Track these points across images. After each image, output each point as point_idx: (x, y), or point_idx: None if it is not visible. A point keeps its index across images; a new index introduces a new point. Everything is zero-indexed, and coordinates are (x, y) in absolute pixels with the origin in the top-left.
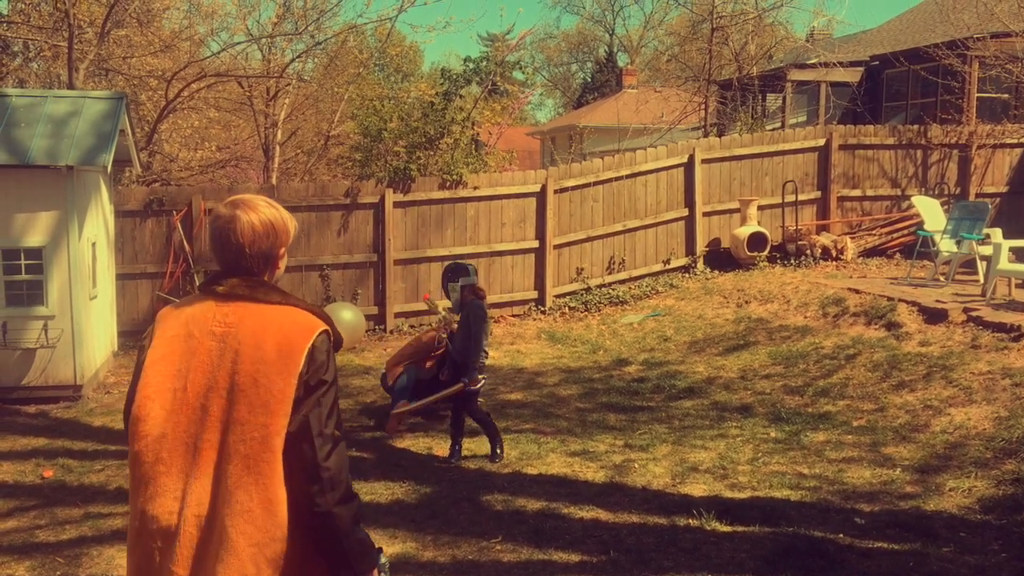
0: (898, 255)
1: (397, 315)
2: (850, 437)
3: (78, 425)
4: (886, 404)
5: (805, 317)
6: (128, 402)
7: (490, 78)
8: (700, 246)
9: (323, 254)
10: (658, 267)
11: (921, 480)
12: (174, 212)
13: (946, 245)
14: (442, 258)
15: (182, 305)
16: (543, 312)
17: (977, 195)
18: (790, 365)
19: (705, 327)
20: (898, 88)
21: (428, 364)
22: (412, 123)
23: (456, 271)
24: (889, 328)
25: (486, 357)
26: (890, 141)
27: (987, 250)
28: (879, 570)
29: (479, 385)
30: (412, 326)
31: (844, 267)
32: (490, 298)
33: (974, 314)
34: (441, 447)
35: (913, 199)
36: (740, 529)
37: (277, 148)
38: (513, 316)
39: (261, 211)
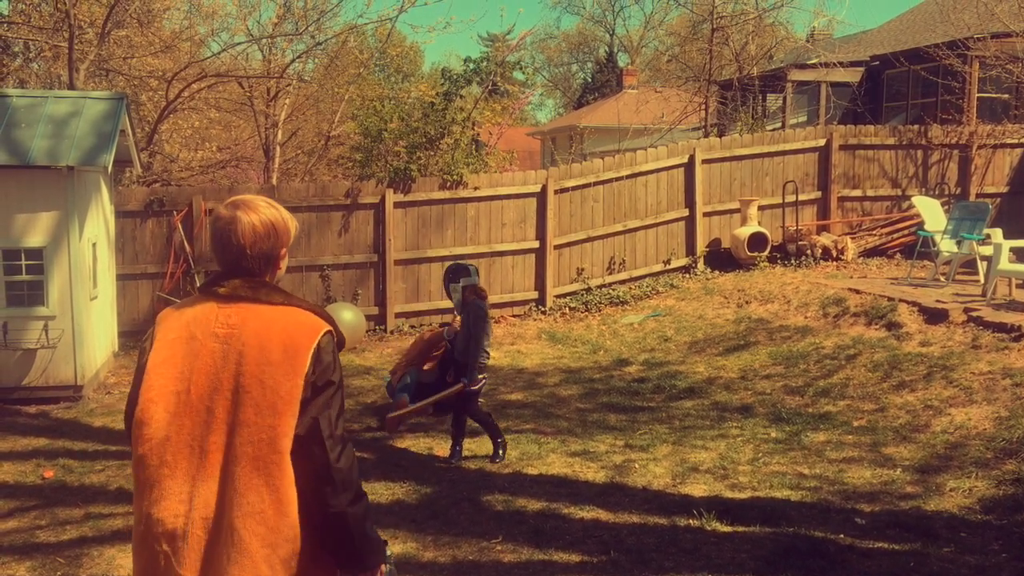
0: (898, 255)
1: (397, 315)
2: (850, 437)
3: (79, 425)
4: (886, 404)
5: (805, 317)
6: (129, 404)
7: (490, 78)
8: (700, 246)
9: (324, 254)
10: (658, 267)
11: (921, 480)
12: (175, 212)
13: (946, 245)
14: (442, 258)
15: (183, 306)
16: (543, 312)
17: (977, 195)
18: (790, 365)
19: (705, 327)
20: (898, 88)
21: (428, 366)
22: (412, 123)
23: (457, 272)
24: (889, 328)
25: (487, 358)
26: (890, 141)
27: (987, 250)
28: (880, 570)
29: (479, 385)
30: (412, 326)
31: (844, 267)
32: (491, 298)
33: (974, 314)
34: (442, 447)
35: (913, 199)
36: (740, 529)
37: (278, 148)
38: (513, 316)
39: (262, 212)
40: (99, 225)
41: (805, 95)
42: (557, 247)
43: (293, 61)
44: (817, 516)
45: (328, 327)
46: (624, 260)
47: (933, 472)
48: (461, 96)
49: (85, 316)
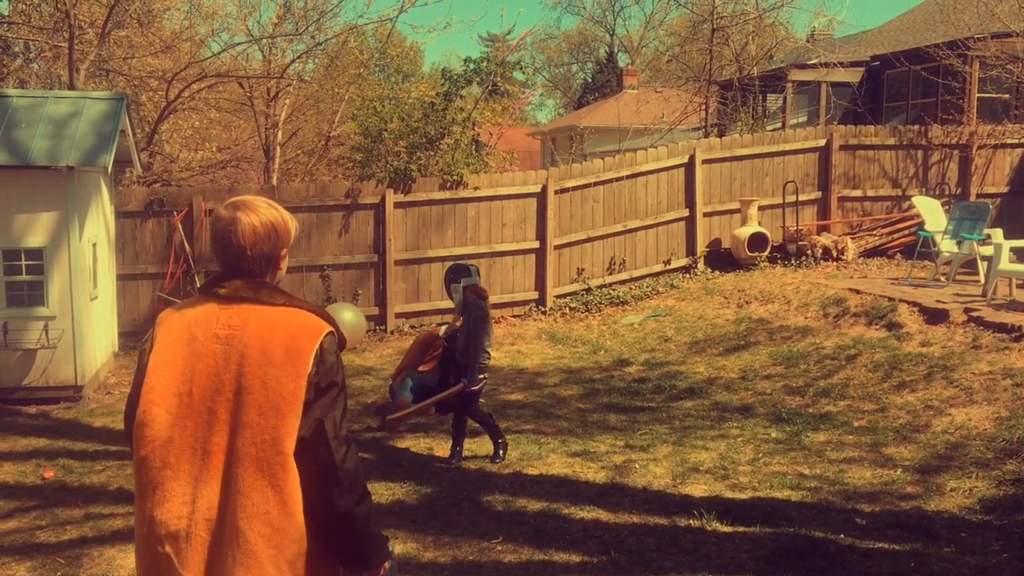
0: (899, 255)
1: (398, 315)
2: (851, 437)
3: (79, 426)
4: (887, 404)
5: (806, 317)
6: (129, 406)
7: (490, 78)
8: (701, 246)
9: (324, 255)
10: (659, 267)
11: (922, 480)
12: (175, 213)
13: (947, 245)
14: (443, 258)
15: (183, 307)
16: (544, 312)
17: (978, 195)
18: (791, 365)
19: (706, 327)
20: (899, 88)
21: (428, 367)
22: (413, 124)
23: (458, 272)
24: (890, 328)
25: (488, 358)
26: (891, 141)
27: (988, 250)
28: (880, 570)
29: (480, 386)
30: (413, 326)
31: (845, 267)
32: (491, 299)
33: (975, 314)
34: (442, 447)
35: (914, 199)
36: (741, 529)
37: (278, 149)
38: (514, 317)
39: (262, 212)
40: (99, 225)
41: (805, 95)
42: (557, 247)
43: (293, 61)
44: (817, 516)
45: (330, 328)
46: (624, 260)
47: (934, 472)
48: (461, 96)
49: (85, 316)
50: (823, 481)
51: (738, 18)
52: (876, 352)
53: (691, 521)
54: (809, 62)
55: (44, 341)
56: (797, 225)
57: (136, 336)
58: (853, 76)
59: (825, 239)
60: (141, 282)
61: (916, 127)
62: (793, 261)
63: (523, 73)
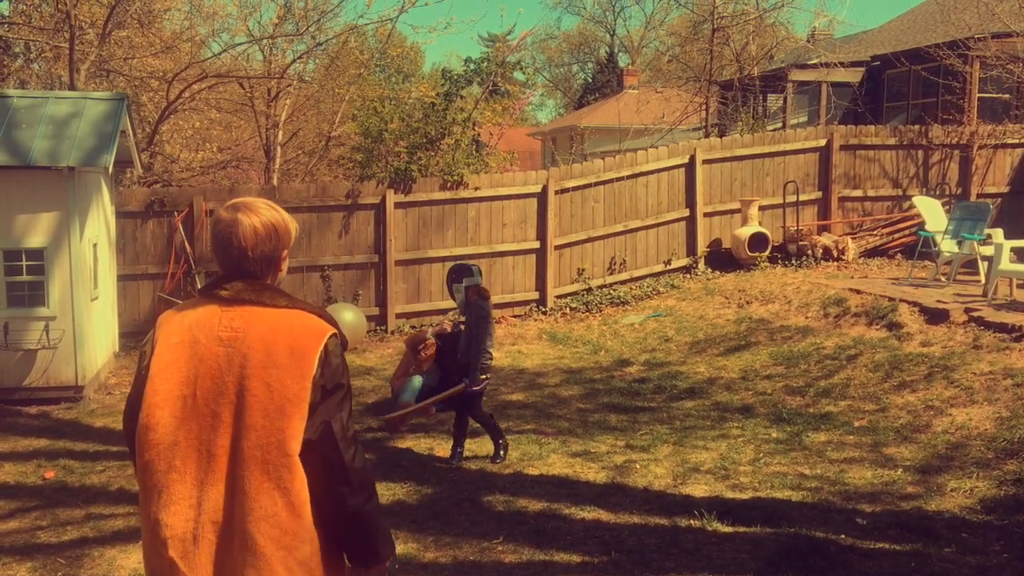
0: (899, 255)
1: (398, 316)
2: (851, 437)
3: (79, 426)
4: (887, 404)
5: (806, 317)
6: (129, 407)
7: (491, 79)
8: (701, 246)
9: (324, 255)
10: (659, 267)
11: (923, 480)
12: (175, 213)
13: (947, 245)
14: (443, 259)
15: (184, 309)
16: (544, 313)
17: (978, 195)
18: (791, 365)
19: (706, 327)
20: (899, 88)
21: (425, 362)
22: (413, 124)
23: (460, 272)
24: (890, 328)
25: (490, 358)
26: (891, 141)
27: (988, 250)
28: (881, 570)
29: (481, 386)
30: (413, 327)
31: (845, 267)
32: (491, 299)
33: (975, 314)
34: (443, 448)
35: (914, 199)
36: (742, 530)
37: (278, 149)
38: (514, 317)
39: (262, 214)
40: (100, 226)
41: (806, 95)
42: (558, 247)
43: (294, 62)
44: (818, 516)
45: (334, 330)
46: (625, 260)
47: (934, 472)
48: (462, 96)
49: (86, 317)
50: (824, 481)
51: (738, 18)
52: (877, 352)
53: (692, 521)
54: (809, 62)
55: (45, 341)
56: (797, 225)
57: (137, 336)
58: (853, 76)
59: (826, 239)
60: (142, 282)
61: (917, 127)
62: (794, 261)
63: (523, 73)
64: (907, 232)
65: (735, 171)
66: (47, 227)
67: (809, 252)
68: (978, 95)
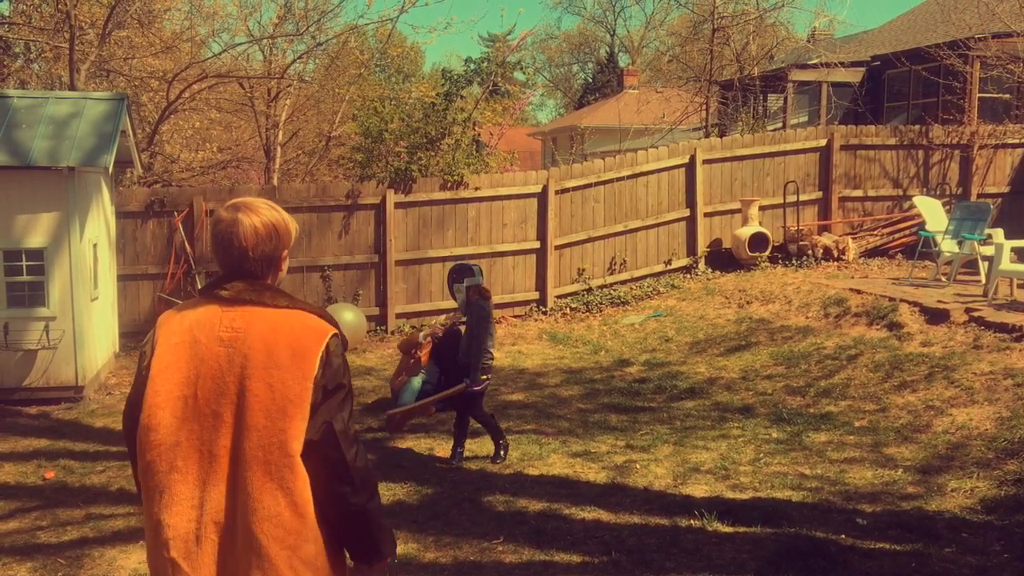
0: (900, 255)
1: (398, 316)
2: (852, 437)
3: (79, 426)
4: (888, 404)
5: (807, 317)
6: (129, 408)
7: (491, 79)
8: (701, 246)
9: (324, 255)
10: (659, 267)
11: (923, 480)
12: (175, 213)
13: (948, 245)
14: (443, 259)
15: (184, 309)
16: (544, 313)
17: (979, 195)
18: (792, 365)
19: (706, 328)
20: (899, 88)
21: (422, 361)
22: (413, 124)
23: (461, 271)
24: (891, 328)
25: (491, 358)
26: (892, 141)
27: (989, 250)
28: (881, 571)
29: (482, 386)
30: (413, 327)
31: (846, 267)
32: (492, 299)
33: (976, 314)
34: (443, 448)
35: (915, 199)
36: (742, 530)
37: (278, 149)
38: (514, 317)
39: (263, 214)
40: (100, 226)
41: (806, 95)
42: (558, 247)
43: (294, 62)
44: (818, 516)
45: (335, 330)
46: (625, 260)
47: (935, 472)
48: (462, 96)
49: (86, 317)
50: (824, 481)
51: (739, 18)
52: (877, 352)
53: (692, 521)
54: (810, 62)
55: (45, 342)
56: (798, 225)
57: (137, 337)
58: (854, 76)
59: (826, 239)
60: (142, 283)
61: (917, 127)
62: (794, 261)
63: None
64: (907, 232)
65: (735, 171)
66: (47, 227)
67: (809, 252)
68: (978, 95)
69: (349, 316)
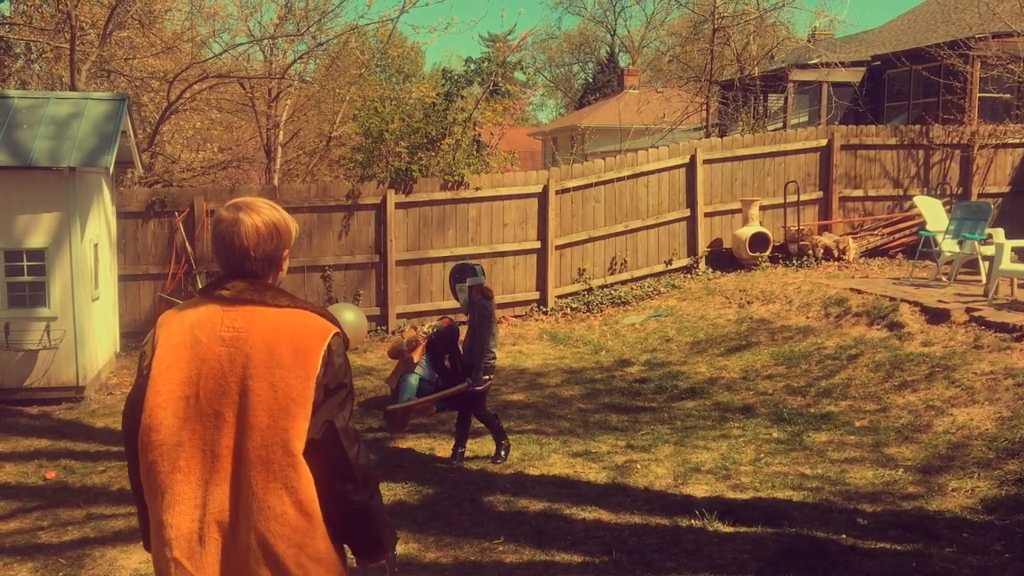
0: (900, 255)
1: (399, 316)
2: (852, 437)
3: (80, 426)
4: (888, 404)
5: (807, 317)
6: (129, 408)
7: (491, 79)
8: (702, 246)
9: (325, 255)
10: (660, 267)
11: (924, 480)
12: (176, 213)
13: (948, 245)
14: (444, 259)
15: (184, 309)
16: (545, 313)
17: (979, 195)
18: (792, 365)
19: (707, 328)
20: (900, 88)
21: (416, 358)
22: (414, 124)
23: (463, 271)
24: (891, 328)
25: (493, 358)
26: (892, 141)
27: (989, 250)
28: (882, 570)
29: (485, 386)
30: (414, 327)
31: (846, 267)
32: (494, 299)
33: (976, 314)
34: (444, 448)
35: (915, 199)
36: (742, 530)
37: (279, 149)
38: (515, 317)
39: (264, 213)
40: (101, 226)
41: (806, 95)
42: (558, 247)
43: (294, 62)
44: (819, 516)
45: (337, 330)
46: (625, 260)
47: (935, 472)
48: (462, 96)
49: (87, 317)
50: (825, 481)
51: (739, 18)
52: (878, 352)
53: (693, 521)
54: (810, 62)
55: (46, 342)
56: (798, 225)
57: (138, 337)
58: (854, 76)
59: (826, 239)
60: (143, 283)
61: (917, 127)
62: (794, 261)
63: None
64: (908, 232)
65: (736, 171)
66: (48, 227)
67: (810, 252)
68: (979, 95)
69: (350, 316)
